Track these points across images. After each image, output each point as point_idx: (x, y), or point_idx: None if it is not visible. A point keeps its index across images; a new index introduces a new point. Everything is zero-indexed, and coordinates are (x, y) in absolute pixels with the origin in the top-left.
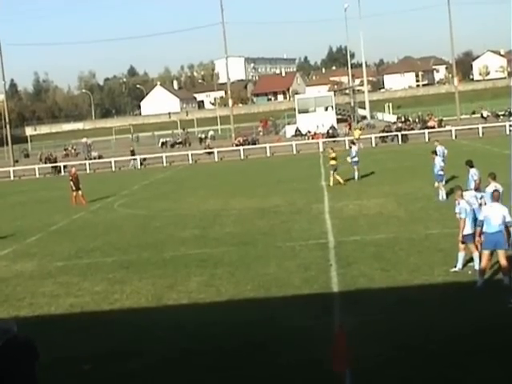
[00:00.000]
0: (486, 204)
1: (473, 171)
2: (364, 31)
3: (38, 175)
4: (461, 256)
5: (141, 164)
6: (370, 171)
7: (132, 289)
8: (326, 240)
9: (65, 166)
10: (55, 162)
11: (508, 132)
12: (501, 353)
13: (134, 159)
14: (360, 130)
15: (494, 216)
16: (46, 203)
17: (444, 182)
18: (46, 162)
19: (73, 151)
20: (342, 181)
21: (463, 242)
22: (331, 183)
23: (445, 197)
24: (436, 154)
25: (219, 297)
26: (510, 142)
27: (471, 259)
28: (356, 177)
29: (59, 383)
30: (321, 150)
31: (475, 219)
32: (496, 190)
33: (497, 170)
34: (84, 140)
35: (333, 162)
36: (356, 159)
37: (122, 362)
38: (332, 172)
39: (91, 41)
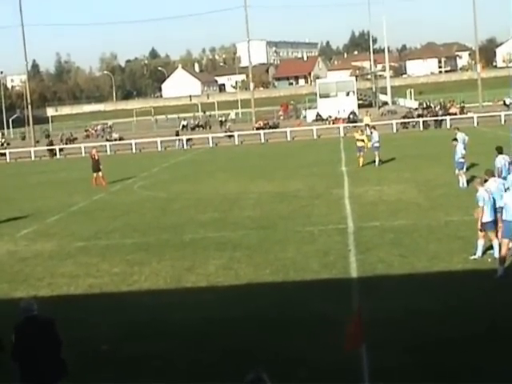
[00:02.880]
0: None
1: (498, 158)
2: (387, 16)
3: (58, 156)
4: (480, 244)
5: (186, 144)
6: (391, 157)
7: (151, 271)
8: (345, 225)
9: (61, 149)
10: (52, 144)
11: None
12: None
13: (180, 140)
14: (370, 115)
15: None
16: (67, 184)
17: (465, 170)
18: (66, 143)
19: (93, 132)
20: (361, 164)
21: (482, 230)
22: (360, 164)
23: (465, 184)
24: (457, 141)
25: (237, 280)
26: None
27: (491, 247)
28: (376, 162)
29: (77, 362)
30: (341, 134)
31: (495, 207)
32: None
33: None
34: (99, 127)
35: (360, 144)
36: (377, 145)
37: (140, 344)
38: (359, 153)
39: (113, 22)
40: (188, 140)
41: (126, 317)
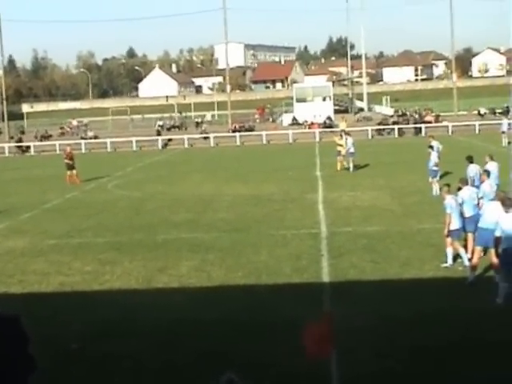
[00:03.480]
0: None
1: (470, 168)
2: (365, 23)
3: (32, 153)
4: (449, 252)
5: (165, 145)
6: (365, 163)
7: (122, 270)
8: (318, 230)
9: (28, 147)
10: (21, 141)
11: (505, 129)
12: (488, 349)
13: (160, 139)
14: (345, 121)
15: (488, 213)
16: (40, 181)
17: (438, 178)
18: (41, 140)
19: (69, 130)
20: (339, 167)
21: (448, 236)
22: (338, 168)
23: (438, 192)
24: (432, 149)
25: (209, 282)
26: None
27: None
28: (351, 168)
29: (47, 361)
30: (317, 139)
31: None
32: (502, 191)
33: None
34: (74, 123)
35: (339, 148)
36: (352, 150)
37: (111, 343)
38: (338, 158)
39: (91, 20)
40: (170, 140)
41: (97, 315)
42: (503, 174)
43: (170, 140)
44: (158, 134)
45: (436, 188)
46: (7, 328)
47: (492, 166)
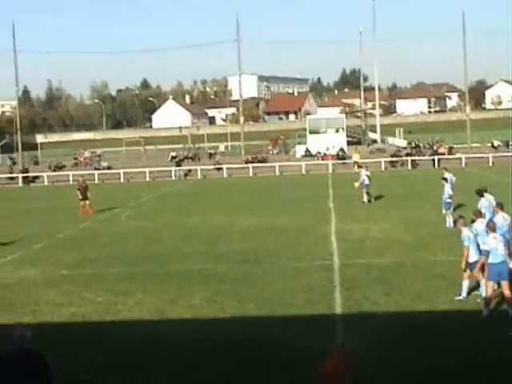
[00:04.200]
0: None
1: (481, 201)
2: (378, 55)
3: (46, 183)
4: (465, 285)
5: (185, 175)
6: (379, 195)
7: (135, 301)
8: (331, 262)
9: (36, 177)
10: (27, 172)
11: None
12: (503, 381)
13: (180, 170)
14: (359, 153)
15: (496, 247)
16: (54, 211)
17: (452, 210)
18: (55, 170)
19: (82, 160)
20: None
21: (465, 270)
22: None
23: (452, 224)
24: (446, 181)
25: (222, 313)
26: None
27: (476, 287)
28: (365, 200)
29: None
30: (330, 171)
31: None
32: (491, 221)
33: (506, 199)
34: (87, 154)
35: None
36: (367, 182)
37: (122, 374)
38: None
39: (106, 52)
40: (189, 171)
41: (109, 346)
42: None
43: (189, 171)
44: (178, 164)
45: (450, 220)
46: (44, 363)
47: (489, 198)
